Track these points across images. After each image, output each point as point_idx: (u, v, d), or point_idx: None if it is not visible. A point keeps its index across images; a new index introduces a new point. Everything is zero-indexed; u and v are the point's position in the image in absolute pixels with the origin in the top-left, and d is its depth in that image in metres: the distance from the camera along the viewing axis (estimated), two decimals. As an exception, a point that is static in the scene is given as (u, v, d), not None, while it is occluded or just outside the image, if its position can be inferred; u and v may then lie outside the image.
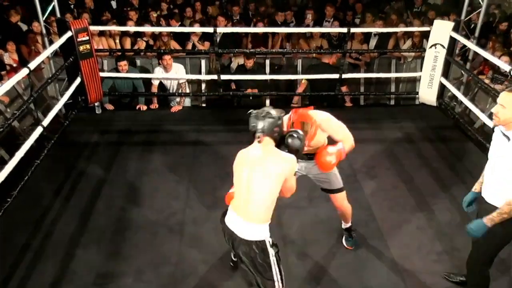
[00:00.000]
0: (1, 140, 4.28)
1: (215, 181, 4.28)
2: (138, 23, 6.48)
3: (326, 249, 3.46)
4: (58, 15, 5.44)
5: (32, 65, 4.27)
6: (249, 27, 6.64)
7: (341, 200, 3.27)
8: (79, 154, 4.77)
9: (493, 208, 2.54)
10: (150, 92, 5.89)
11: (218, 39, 5.64)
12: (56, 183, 4.25)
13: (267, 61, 6.25)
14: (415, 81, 6.29)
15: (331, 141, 2.96)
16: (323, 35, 6.53)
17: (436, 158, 4.80)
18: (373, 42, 6.63)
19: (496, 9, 7.49)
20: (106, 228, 3.69)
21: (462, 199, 2.95)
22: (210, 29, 5.60)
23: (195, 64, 6.31)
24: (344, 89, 5.98)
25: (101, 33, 6.15)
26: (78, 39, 5.07)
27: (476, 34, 5.54)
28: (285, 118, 2.71)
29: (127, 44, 6.24)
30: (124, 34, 6.30)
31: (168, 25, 6.47)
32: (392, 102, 6.59)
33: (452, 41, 5.34)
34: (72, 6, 7.11)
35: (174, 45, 6.18)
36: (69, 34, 4.99)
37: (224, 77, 5.72)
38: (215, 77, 5.70)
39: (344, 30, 5.66)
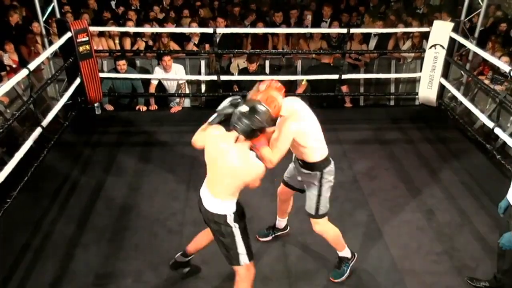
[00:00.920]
0: (1, 141, 4.28)
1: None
2: (138, 23, 6.48)
3: (326, 249, 3.46)
4: (58, 15, 5.44)
5: (32, 65, 4.26)
6: (248, 28, 6.64)
7: (318, 226, 3.04)
8: (79, 155, 4.78)
9: None
10: (150, 93, 5.89)
11: (218, 40, 5.64)
12: (55, 184, 4.25)
13: (267, 62, 6.26)
14: (414, 81, 6.29)
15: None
16: (322, 37, 6.53)
17: (436, 159, 4.81)
18: (373, 43, 6.63)
19: (496, 10, 7.48)
20: (105, 229, 3.69)
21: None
22: (209, 30, 5.61)
23: (194, 64, 6.31)
24: (344, 89, 5.99)
25: (101, 34, 6.16)
26: (78, 40, 5.07)
27: (476, 34, 5.55)
28: (254, 88, 2.61)
29: (127, 44, 6.25)
30: (124, 34, 6.30)
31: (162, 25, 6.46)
32: (392, 103, 6.59)
33: (452, 41, 5.35)
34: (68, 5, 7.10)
35: (173, 46, 6.19)
36: (68, 34, 4.99)
37: (223, 77, 5.72)
38: (214, 77, 5.71)
39: (344, 30, 5.66)
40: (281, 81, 2.75)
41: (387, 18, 7.09)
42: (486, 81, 5.36)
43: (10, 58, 5.53)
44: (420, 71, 5.83)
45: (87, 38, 5.15)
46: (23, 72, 4.11)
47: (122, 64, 5.59)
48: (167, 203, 4.03)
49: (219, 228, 2.59)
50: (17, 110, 4.03)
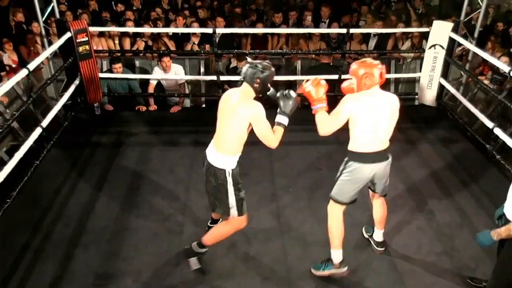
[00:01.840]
0: (1, 141, 4.28)
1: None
2: (138, 23, 6.49)
3: (325, 249, 3.46)
4: (58, 16, 5.44)
5: (32, 66, 4.26)
6: (248, 28, 6.65)
7: (329, 206, 3.14)
8: (79, 155, 4.77)
9: None
10: (149, 93, 5.89)
11: (217, 40, 5.64)
12: (55, 184, 4.25)
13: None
14: (414, 81, 6.30)
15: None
16: (322, 38, 6.53)
17: (435, 159, 4.81)
18: (372, 43, 6.64)
19: (495, 10, 7.51)
20: (105, 229, 3.69)
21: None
22: (209, 30, 5.61)
23: (194, 65, 6.31)
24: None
25: (101, 34, 6.16)
26: (78, 40, 5.07)
27: (476, 34, 5.55)
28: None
29: (127, 44, 6.24)
30: (123, 34, 6.30)
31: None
32: (392, 103, 6.58)
33: (452, 42, 5.35)
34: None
35: (172, 45, 6.18)
36: (68, 35, 4.99)
37: (223, 78, 5.72)
38: (214, 78, 5.71)
39: (344, 31, 5.66)
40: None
41: (387, 18, 7.09)
42: (486, 81, 5.36)
43: (9, 57, 5.53)
44: (420, 71, 5.84)
45: (86, 38, 5.15)
46: (23, 72, 4.11)
47: (118, 67, 5.60)
48: (167, 203, 4.02)
49: (216, 181, 2.88)
50: (17, 110, 4.03)
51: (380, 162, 3.00)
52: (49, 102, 5.62)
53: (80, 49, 5.13)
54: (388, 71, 6.44)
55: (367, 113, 2.86)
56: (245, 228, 3.16)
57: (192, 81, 6.21)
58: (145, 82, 5.95)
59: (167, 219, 3.82)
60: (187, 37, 6.36)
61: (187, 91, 6.10)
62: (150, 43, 6.30)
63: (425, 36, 5.81)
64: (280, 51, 6.36)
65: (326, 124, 2.90)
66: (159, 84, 5.95)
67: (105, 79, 5.69)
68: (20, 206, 3.77)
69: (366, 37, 6.65)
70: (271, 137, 2.81)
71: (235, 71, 5.84)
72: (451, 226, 3.76)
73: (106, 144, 5.03)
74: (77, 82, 5.20)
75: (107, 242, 3.55)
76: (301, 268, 3.30)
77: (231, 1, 8.01)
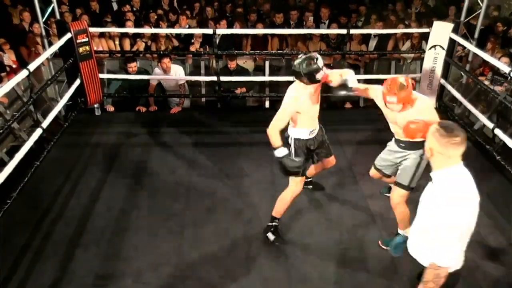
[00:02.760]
0: (1, 142, 4.28)
1: (215, 183, 4.28)
2: (138, 24, 6.49)
3: (326, 250, 3.47)
4: (58, 16, 5.44)
5: (32, 66, 4.27)
6: (248, 28, 6.65)
7: (399, 199, 3.38)
8: (79, 156, 4.77)
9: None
10: (150, 94, 5.90)
11: (217, 41, 5.65)
12: (55, 185, 4.25)
13: (267, 63, 6.27)
14: (414, 82, 6.29)
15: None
16: (322, 38, 6.53)
17: (436, 159, 4.79)
18: (372, 44, 6.64)
19: (495, 11, 7.51)
20: (105, 229, 3.69)
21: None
22: (209, 31, 5.62)
23: (195, 66, 6.31)
24: (343, 90, 5.98)
25: (101, 35, 6.16)
26: (78, 41, 5.07)
27: (476, 35, 5.55)
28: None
29: (127, 45, 6.25)
30: (123, 35, 6.31)
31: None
32: (392, 104, 6.57)
33: (452, 42, 5.35)
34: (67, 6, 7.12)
35: (174, 43, 6.20)
36: (68, 35, 4.99)
37: (223, 78, 5.72)
38: (214, 78, 5.71)
39: (344, 31, 5.66)
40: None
41: (387, 19, 7.09)
42: (486, 82, 5.36)
43: (9, 58, 5.53)
44: (420, 72, 5.84)
45: (87, 39, 5.16)
46: (23, 73, 4.12)
47: (134, 66, 5.68)
48: (167, 203, 4.03)
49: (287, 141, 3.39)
50: (17, 111, 4.03)
51: None
52: (49, 103, 5.63)
53: (81, 49, 5.13)
54: (388, 72, 6.45)
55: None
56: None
57: (192, 82, 6.21)
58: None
59: (167, 219, 3.82)
60: (189, 38, 6.37)
61: (187, 92, 6.10)
62: (150, 43, 6.30)
63: (425, 36, 5.80)
64: (280, 51, 6.36)
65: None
66: (160, 86, 5.95)
67: (111, 79, 5.72)
68: (20, 207, 3.77)
69: (366, 38, 6.65)
70: (274, 123, 3.14)
71: (226, 71, 5.85)
72: (451, 227, 3.75)
73: (106, 144, 5.04)
74: (77, 83, 5.21)
75: (107, 242, 3.55)
76: (301, 269, 3.31)
77: (234, 2, 8.02)
